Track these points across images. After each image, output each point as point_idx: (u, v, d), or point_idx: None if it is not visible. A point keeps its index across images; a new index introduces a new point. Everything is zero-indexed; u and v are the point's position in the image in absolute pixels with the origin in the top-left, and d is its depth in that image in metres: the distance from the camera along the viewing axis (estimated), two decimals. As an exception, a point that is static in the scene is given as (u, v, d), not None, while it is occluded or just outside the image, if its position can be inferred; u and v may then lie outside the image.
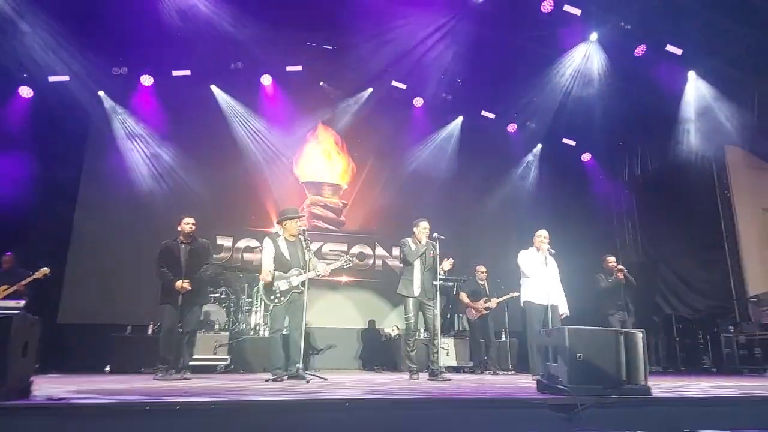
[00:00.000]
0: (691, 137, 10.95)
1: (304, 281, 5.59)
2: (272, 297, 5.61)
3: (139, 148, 10.64)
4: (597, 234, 12.36)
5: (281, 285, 5.61)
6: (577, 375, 3.33)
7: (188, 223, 6.14)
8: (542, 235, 6.64)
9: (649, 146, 12.16)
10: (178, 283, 5.88)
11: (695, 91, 10.55)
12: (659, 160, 11.88)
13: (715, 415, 3.18)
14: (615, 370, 3.41)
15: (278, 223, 6.14)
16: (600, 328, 3.77)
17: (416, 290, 6.20)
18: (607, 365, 3.41)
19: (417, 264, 6.28)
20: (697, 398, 3.43)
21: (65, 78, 9.62)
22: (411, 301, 6.21)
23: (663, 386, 4.66)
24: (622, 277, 7.65)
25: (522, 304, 6.70)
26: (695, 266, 11.65)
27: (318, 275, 5.77)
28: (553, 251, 6.54)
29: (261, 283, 5.78)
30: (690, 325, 11.01)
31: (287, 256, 5.73)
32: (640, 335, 3.54)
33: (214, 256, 7.23)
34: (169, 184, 10.57)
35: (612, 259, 7.90)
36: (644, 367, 3.48)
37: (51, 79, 9.58)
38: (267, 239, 5.90)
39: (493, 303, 8.72)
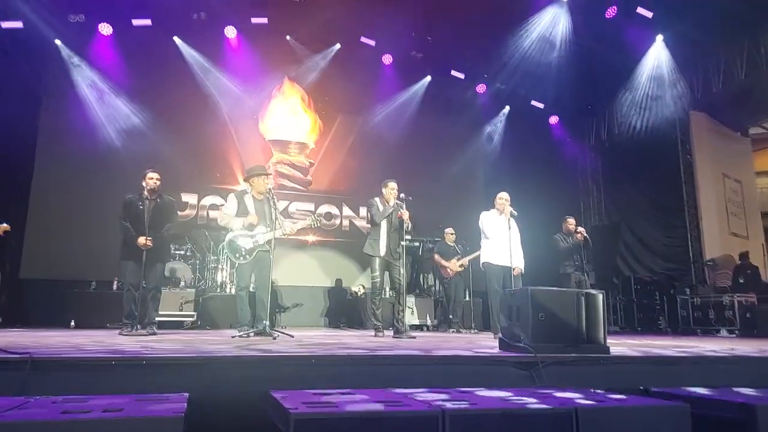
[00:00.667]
0: (656, 102, 11.12)
1: (270, 240, 5.53)
2: (237, 255, 5.54)
3: (99, 100, 10.16)
4: (562, 196, 12.51)
5: (246, 243, 5.53)
6: (538, 334, 3.40)
7: (152, 178, 5.90)
8: (503, 197, 6.64)
9: (616, 110, 12.28)
10: (141, 240, 5.72)
11: (658, 57, 10.65)
12: (625, 124, 12.03)
13: (670, 374, 3.32)
14: (575, 329, 3.50)
15: (246, 180, 6.02)
16: (562, 289, 3.85)
17: (382, 250, 6.20)
18: (568, 325, 3.49)
19: (384, 224, 6.26)
20: (653, 357, 3.56)
21: (18, 24, 9.04)
22: (377, 260, 6.22)
23: (621, 345, 4.84)
24: (582, 238, 7.73)
25: (481, 266, 6.78)
26: (656, 229, 12.00)
27: (284, 234, 5.72)
28: (516, 213, 6.53)
29: (226, 240, 5.69)
30: (648, 287, 11.41)
31: (254, 213, 5.64)
32: (600, 296, 3.63)
33: (179, 213, 7.06)
34: (131, 138, 10.15)
35: (572, 220, 7.94)
36: (604, 327, 3.58)
37: (4, 25, 9.00)
38: (231, 195, 5.80)
39: (466, 261, 8.87)
